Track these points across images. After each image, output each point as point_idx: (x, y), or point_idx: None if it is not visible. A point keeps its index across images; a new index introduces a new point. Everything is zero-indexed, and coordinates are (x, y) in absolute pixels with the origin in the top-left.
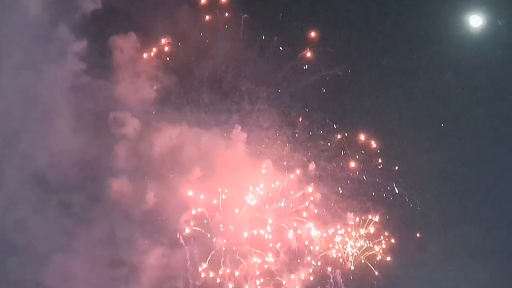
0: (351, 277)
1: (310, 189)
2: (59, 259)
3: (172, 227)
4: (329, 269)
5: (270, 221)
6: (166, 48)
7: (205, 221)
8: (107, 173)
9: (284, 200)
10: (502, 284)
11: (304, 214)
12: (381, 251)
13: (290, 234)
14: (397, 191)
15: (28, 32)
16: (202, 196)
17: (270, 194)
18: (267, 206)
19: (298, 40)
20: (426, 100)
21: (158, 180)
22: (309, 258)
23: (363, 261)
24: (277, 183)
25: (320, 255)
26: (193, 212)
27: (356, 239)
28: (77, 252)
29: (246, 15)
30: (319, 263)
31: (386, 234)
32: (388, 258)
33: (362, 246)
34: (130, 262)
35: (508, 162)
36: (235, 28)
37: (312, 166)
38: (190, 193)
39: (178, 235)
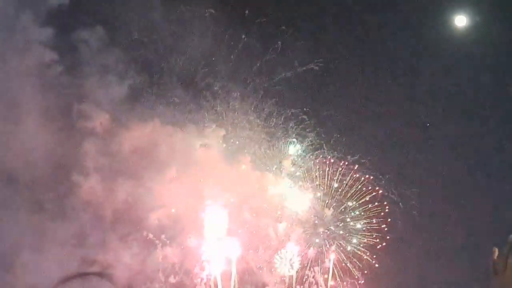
0: (331, 276)
1: (286, 187)
2: (28, 258)
3: (145, 227)
4: (309, 267)
5: (247, 219)
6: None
7: (180, 221)
8: (78, 170)
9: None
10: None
11: (278, 213)
12: (361, 250)
13: (269, 232)
14: (377, 189)
15: None
16: (177, 195)
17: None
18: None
19: (269, 35)
20: (409, 99)
21: (131, 179)
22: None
23: (343, 259)
24: (254, 181)
25: (300, 253)
26: (169, 211)
27: (334, 237)
28: (47, 251)
29: (211, 10)
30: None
31: (367, 233)
32: (369, 257)
33: (341, 245)
34: (102, 262)
35: (492, 162)
36: (203, 24)
37: (288, 163)
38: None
39: (151, 235)
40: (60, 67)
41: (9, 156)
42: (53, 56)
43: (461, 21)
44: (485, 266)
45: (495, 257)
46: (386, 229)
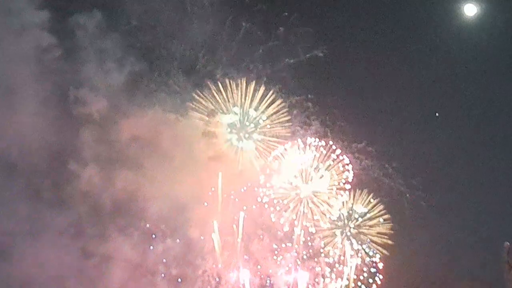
0: (337, 266)
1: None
2: (26, 247)
3: (146, 217)
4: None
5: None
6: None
7: (182, 211)
8: (76, 159)
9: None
10: (490, 272)
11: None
12: (368, 239)
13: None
14: (384, 178)
15: None
16: (179, 185)
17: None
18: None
19: (272, 21)
20: (416, 87)
21: (131, 168)
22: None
23: (351, 249)
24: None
25: (307, 243)
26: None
27: (341, 226)
28: (45, 240)
29: None
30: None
31: (373, 222)
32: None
33: (347, 235)
34: (101, 253)
35: (502, 151)
36: (204, 10)
37: (294, 151)
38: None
39: (152, 226)
40: (57, 52)
41: (5, 143)
42: (50, 41)
43: (470, 10)
44: (497, 261)
45: (507, 252)
46: (392, 219)
